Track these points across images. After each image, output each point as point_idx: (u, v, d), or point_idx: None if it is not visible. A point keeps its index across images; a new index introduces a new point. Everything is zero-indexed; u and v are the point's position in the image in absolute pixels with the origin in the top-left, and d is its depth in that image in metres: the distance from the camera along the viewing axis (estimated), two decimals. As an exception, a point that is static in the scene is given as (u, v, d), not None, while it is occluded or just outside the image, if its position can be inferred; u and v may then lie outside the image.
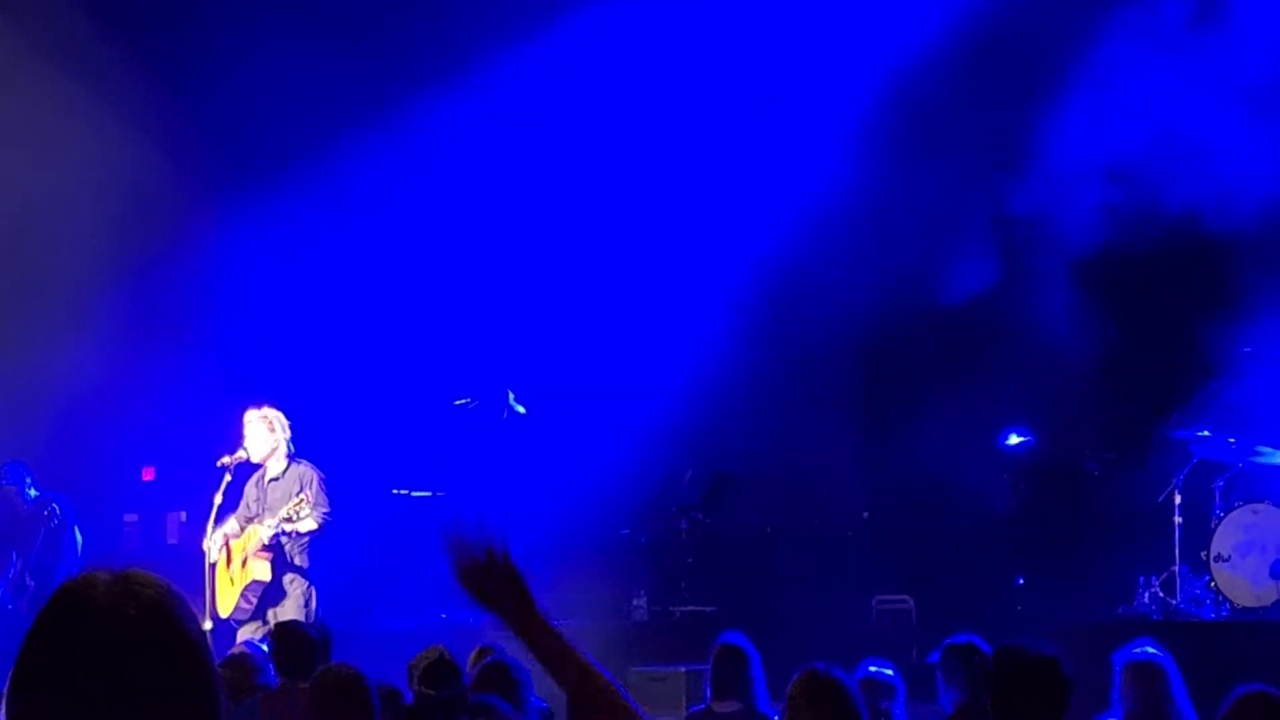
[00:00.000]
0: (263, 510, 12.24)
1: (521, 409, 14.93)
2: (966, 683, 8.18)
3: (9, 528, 13.36)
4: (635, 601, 14.72)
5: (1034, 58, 14.57)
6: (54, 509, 13.31)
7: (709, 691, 8.50)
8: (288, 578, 12.22)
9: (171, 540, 15.25)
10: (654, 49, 15.34)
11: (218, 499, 12.27)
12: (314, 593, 12.25)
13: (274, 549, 12.13)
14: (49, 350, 14.69)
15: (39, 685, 2.10)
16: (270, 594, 12.17)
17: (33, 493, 13.34)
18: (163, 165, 14.99)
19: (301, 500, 12.11)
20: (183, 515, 14.99)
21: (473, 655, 8.69)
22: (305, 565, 12.26)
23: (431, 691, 7.06)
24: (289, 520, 12.05)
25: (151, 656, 2.10)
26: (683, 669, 13.21)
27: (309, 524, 12.16)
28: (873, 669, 8.41)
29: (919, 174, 14.96)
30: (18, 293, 14.68)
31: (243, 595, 12.10)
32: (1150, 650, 7.75)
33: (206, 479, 12.49)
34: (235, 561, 12.24)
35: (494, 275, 15.56)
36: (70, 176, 14.65)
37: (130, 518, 15.52)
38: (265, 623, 12.05)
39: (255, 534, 12.15)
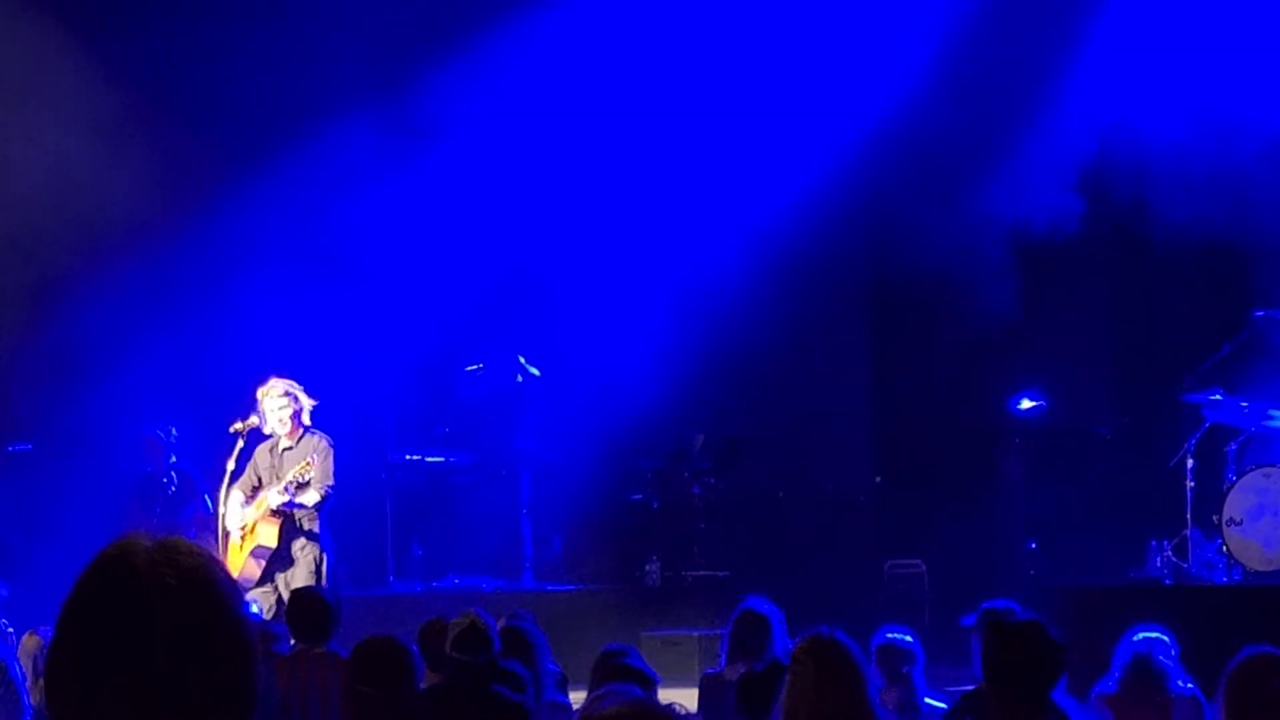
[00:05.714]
0: (275, 479, 12.22)
1: (535, 370, 14.95)
2: None
3: (137, 487, 13.46)
4: (648, 566, 14.74)
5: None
6: (173, 477, 13.36)
7: (724, 654, 8.45)
8: (298, 544, 12.19)
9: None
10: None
11: (230, 464, 12.30)
12: (325, 559, 12.23)
13: (281, 515, 12.11)
14: (62, 314, 14.69)
15: (80, 651, 2.11)
16: (280, 560, 12.15)
17: (173, 459, 13.41)
18: (179, 131, 14.96)
19: (308, 464, 12.08)
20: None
21: (501, 621, 8.71)
22: (316, 531, 12.22)
23: (465, 657, 7.15)
24: (297, 483, 12.02)
25: (191, 624, 2.11)
26: (695, 633, 13.25)
27: (313, 496, 12.13)
28: (890, 635, 8.41)
29: (923, 139, 14.92)
30: (36, 255, 14.62)
31: (248, 559, 12.10)
32: (1149, 635, 7.81)
33: (219, 444, 12.51)
34: (245, 527, 12.24)
35: (505, 240, 15.51)
36: (86, 142, 14.60)
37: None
38: (275, 589, 12.07)
39: (264, 501, 12.15)
